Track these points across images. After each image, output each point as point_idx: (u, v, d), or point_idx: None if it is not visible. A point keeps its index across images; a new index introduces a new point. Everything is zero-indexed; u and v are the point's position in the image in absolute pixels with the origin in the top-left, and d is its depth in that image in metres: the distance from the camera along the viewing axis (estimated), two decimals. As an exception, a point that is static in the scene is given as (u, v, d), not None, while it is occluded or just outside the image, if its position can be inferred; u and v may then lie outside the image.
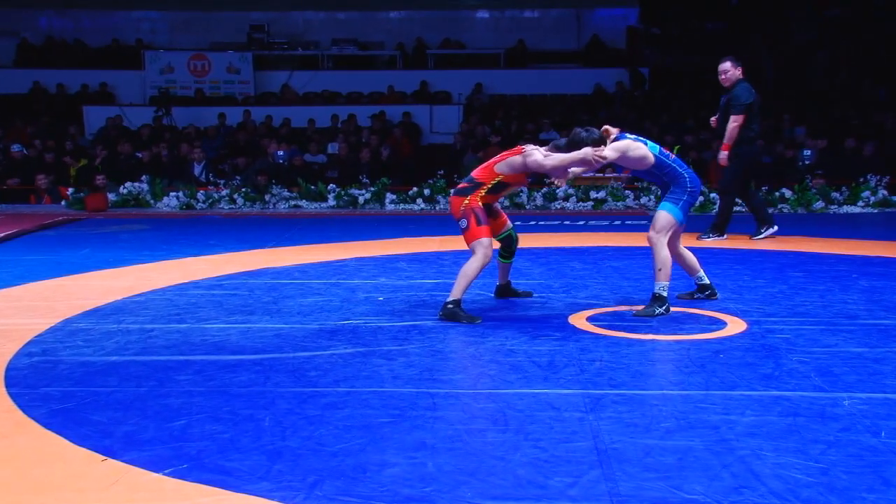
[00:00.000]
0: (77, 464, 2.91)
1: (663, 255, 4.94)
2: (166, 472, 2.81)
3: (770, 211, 10.65)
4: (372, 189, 11.63)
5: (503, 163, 4.97)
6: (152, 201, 11.82)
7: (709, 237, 7.97)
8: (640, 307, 5.01)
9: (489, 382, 3.82)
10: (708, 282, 5.32)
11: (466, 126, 15.02)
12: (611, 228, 9.21)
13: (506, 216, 5.32)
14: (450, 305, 4.83)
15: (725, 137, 7.68)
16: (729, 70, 7.74)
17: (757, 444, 2.96)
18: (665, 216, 4.96)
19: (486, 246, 4.88)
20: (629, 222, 9.70)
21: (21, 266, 6.87)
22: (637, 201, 11.23)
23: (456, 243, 6.74)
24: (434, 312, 4.98)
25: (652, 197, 11.10)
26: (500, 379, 3.84)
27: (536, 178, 5.43)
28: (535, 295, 5.51)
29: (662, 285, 4.92)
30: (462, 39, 18.71)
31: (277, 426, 3.21)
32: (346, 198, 11.59)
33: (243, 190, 11.77)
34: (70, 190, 11.76)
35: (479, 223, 4.89)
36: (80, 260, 7.19)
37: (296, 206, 11.68)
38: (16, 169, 13.04)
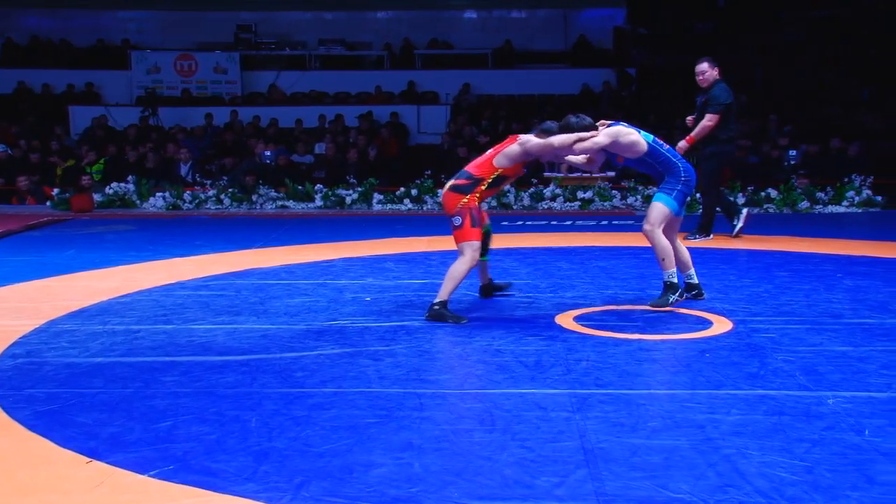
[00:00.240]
0: (62, 466, 2.89)
1: (662, 244, 4.98)
2: (152, 473, 2.80)
3: (756, 211, 10.74)
4: (359, 189, 11.61)
5: (500, 155, 4.95)
6: (138, 202, 11.77)
7: (696, 238, 8.01)
8: (649, 303, 5.11)
9: (476, 382, 3.83)
10: (696, 281, 5.35)
11: (454, 126, 15.03)
12: (598, 228, 9.24)
13: (485, 213, 5.30)
14: (436, 306, 4.84)
15: (694, 132, 7.71)
16: (706, 71, 7.79)
17: (742, 442, 2.98)
18: (659, 208, 4.99)
19: (476, 249, 4.89)
20: (616, 222, 9.72)
21: (6, 267, 6.83)
22: (624, 201, 11.26)
23: (443, 244, 6.74)
24: (422, 313, 4.98)
25: (639, 197, 11.13)
26: (487, 379, 3.85)
27: (531, 169, 5.43)
28: (521, 294, 5.52)
29: (670, 272, 5.01)
30: (449, 40, 18.71)
31: (264, 427, 3.20)
32: (333, 198, 11.57)
33: (230, 190, 11.73)
34: (55, 190, 11.69)
35: (473, 224, 4.89)
36: (65, 261, 7.15)
37: (283, 207, 11.65)
38: (0, 169, 12.96)
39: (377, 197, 11.55)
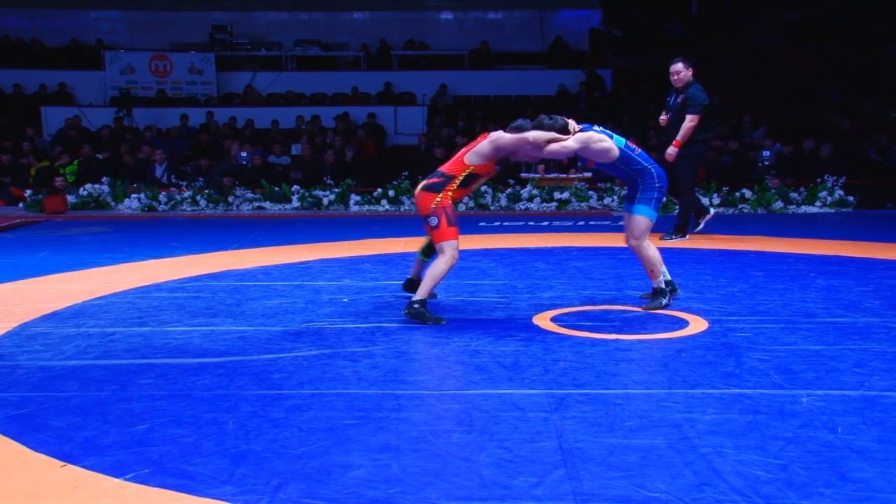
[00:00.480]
0: (35, 470, 2.86)
1: (650, 255, 5.04)
2: (128, 477, 2.78)
3: (730, 211, 10.84)
4: (336, 190, 11.59)
5: (471, 153, 4.94)
6: (113, 203, 11.67)
7: (672, 238, 8.06)
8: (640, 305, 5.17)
9: (454, 383, 3.83)
10: (669, 278, 5.38)
11: (432, 129, 15.03)
12: (575, 229, 9.27)
13: None
14: (416, 305, 4.83)
15: (679, 135, 7.77)
16: (681, 71, 7.85)
17: (718, 441, 3.00)
18: (642, 221, 5.01)
19: (455, 248, 4.88)
20: (593, 223, 9.77)
21: (-23, 269, 6.74)
22: (600, 202, 11.32)
23: (421, 245, 6.73)
24: (399, 314, 4.97)
25: (615, 198, 11.19)
26: (465, 380, 3.85)
27: (506, 169, 5.39)
28: (499, 295, 5.53)
29: (659, 280, 5.09)
30: (426, 40, 18.71)
31: (241, 429, 3.19)
32: (310, 199, 11.54)
33: (206, 192, 11.66)
34: (28, 192, 11.56)
35: (449, 223, 4.87)
36: (38, 263, 7.07)
37: (259, 208, 11.60)
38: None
39: (354, 198, 11.53)
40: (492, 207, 11.25)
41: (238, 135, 14.64)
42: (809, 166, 11.78)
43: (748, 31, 17.39)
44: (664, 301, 5.08)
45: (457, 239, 4.91)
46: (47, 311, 5.19)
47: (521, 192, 11.34)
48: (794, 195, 11.00)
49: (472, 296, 5.55)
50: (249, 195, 11.73)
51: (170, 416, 3.33)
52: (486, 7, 19.13)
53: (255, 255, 7.42)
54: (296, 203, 11.58)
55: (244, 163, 12.81)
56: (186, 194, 11.63)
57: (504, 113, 15.56)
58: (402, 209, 11.22)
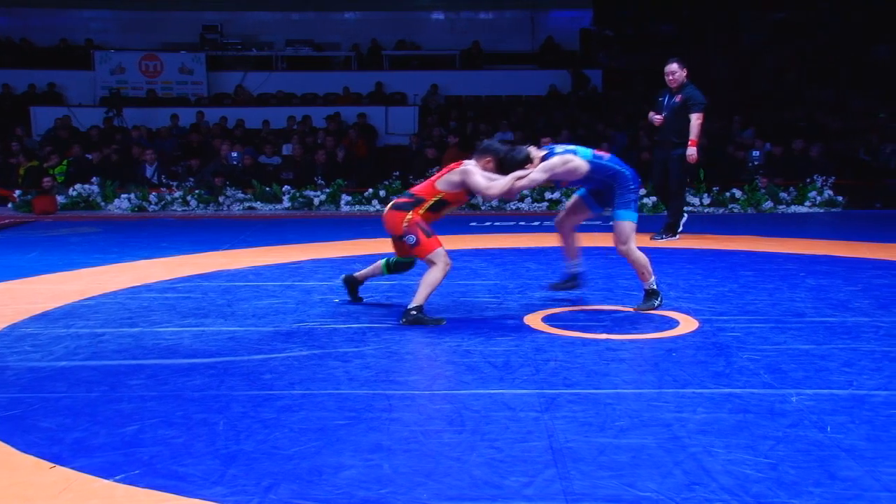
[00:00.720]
0: (24, 471, 2.85)
1: (639, 259, 5.06)
2: (117, 478, 2.77)
3: (721, 211, 10.87)
4: (327, 190, 11.58)
5: (442, 180, 4.91)
6: (103, 203, 11.63)
7: (662, 238, 8.08)
8: (634, 305, 5.16)
9: (445, 383, 3.83)
10: (576, 272, 5.38)
11: (423, 129, 15.02)
12: (566, 229, 9.26)
13: None
14: (413, 312, 4.78)
15: (692, 134, 7.84)
16: (676, 71, 7.91)
17: (708, 441, 3.01)
18: (626, 226, 5.00)
19: (443, 255, 4.84)
20: (584, 223, 9.75)
21: (-34, 270, 6.71)
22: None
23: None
24: (390, 313, 4.97)
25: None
26: (456, 380, 3.85)
27: (473, 197, 5.35)
28: (490, 295, 5.53)
29: (650, 282, 5.09)
30: (417, 41, 18.71)
31: (232, 430, 3.18)
32: (301, 199, 11.52)
33: (197, 192, 11.63)
34: (17, 192, 11.51)
35: (427, 235, 4.84)
36: (27, 263, 7.04)
37: (250, 208, 11.58)
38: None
39: (345, 198, 11.52)
40: (483, 207, 11.26)
41: (229, 135, 14.60)
42: (799, 166, 11.83)
43: (737, 32, 17.45)
44: (656, 302, 5.09)
45: (441, 245, 4.86)
46: (37, 312, 5.17)
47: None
48: (783, 195, 11.05)
49: (463, 296, 5.56)
50: (240, 195, 11.71)
51: (160, 417, 3.32)
52: (477, 7, 19.14)
53: (246, 256, 7.41)
54: (286, 203, 11.57)
55: (235, 163, 12.79)
56: (177, 194, 11.60)
57: (495, 113, 15.60)
58: (393, 209, 11.20)
